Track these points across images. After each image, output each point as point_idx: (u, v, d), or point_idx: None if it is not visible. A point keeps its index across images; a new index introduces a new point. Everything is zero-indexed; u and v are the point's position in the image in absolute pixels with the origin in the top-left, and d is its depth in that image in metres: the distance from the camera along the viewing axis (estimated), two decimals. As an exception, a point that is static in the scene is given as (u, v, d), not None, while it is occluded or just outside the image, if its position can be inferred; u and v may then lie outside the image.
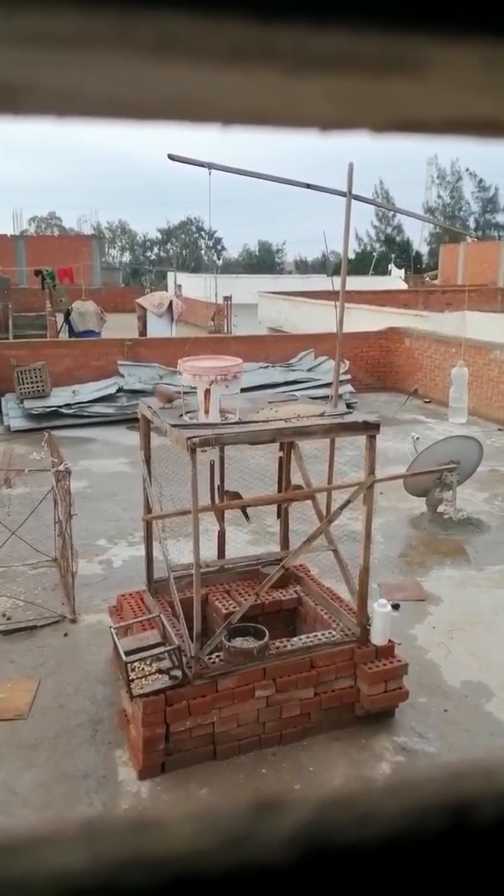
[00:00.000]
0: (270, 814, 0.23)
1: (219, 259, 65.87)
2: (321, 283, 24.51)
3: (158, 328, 18.15)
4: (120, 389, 13.10)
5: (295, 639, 4.60)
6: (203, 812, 0.23)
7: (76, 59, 0.24)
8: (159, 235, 71.82)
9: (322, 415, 4.57)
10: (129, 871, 0.21)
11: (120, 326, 19.03)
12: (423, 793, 0.25)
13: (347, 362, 14.20)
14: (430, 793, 0.25)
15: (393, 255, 52.79)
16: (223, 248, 70.72)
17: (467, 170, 60.03)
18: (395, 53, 0.28)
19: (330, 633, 4.62)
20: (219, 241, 69.12)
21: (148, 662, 4.18)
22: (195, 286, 32.20)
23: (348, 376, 14.13)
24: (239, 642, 4.37)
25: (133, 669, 4.12)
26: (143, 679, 4.12)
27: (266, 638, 4.37)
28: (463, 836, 0.24)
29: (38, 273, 20.72)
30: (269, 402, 4.93)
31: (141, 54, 0.25)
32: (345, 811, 0.24)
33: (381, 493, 7.90)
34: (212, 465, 5.05)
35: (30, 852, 0.22)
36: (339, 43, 0.28)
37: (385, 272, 41.07)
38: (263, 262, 65.70)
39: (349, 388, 13.95)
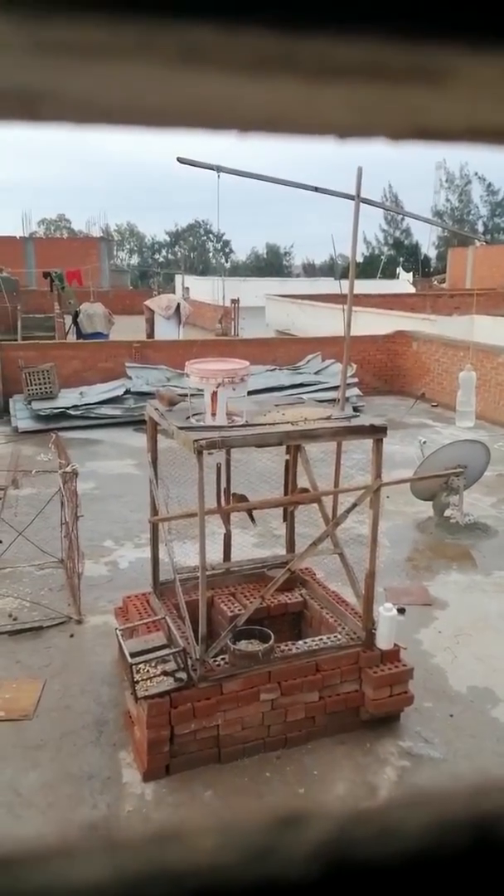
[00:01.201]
0: (292, 829, 0.23)
1: (227, 262, 66.06)
2: (329, 286, 24.52)
3: (166, 331, 18.15)
4: (127, 391, 13.12)
5: (300, 642, 4.59)
6: (224, 826, 0.23)
7: (101, 68, 0.24)
8: (167, 238, 72.00)
9: (329, 418, 4.57)
10: (151, 885, 0.21)
11: (128, 329, 19.06)
12: (444, 809, 0.25)
13: (355, 366, 14.18)
14: (452, 809, 0.25)
15: (401, 259, 52.74)
16: (231, 251, 70.89)
17: (476, 174, 60.06)
18: (418, 63, 0.28)
19: (335, 636, 4.61)
20: (227, 243, 69.27)
21: (153, 664, 4.18)
22: (203, 289, 32.22)
23: (355, 380, 14.11)
24: (244, 645, 4.36)
25: (138, 671, 4.12)
26: (148, 681, 4.12)
27: (271, 641, 4.36)
28: (486, 853, 0.24)
29: (46, 275, 20.80)
30: (276, 405, 4.93)
31: (164, 64, 0.25)
32: (366, 827, 0.24)
33: (387, 497, 7.89)
34: (218, 468, 5.05)
35: (50, 865, 0.22)
36: (362, 52, 0.27)
37: (393, 276, 40.96)
38: (271, 265, 65.73)
39: (356, 391, 13.93)
